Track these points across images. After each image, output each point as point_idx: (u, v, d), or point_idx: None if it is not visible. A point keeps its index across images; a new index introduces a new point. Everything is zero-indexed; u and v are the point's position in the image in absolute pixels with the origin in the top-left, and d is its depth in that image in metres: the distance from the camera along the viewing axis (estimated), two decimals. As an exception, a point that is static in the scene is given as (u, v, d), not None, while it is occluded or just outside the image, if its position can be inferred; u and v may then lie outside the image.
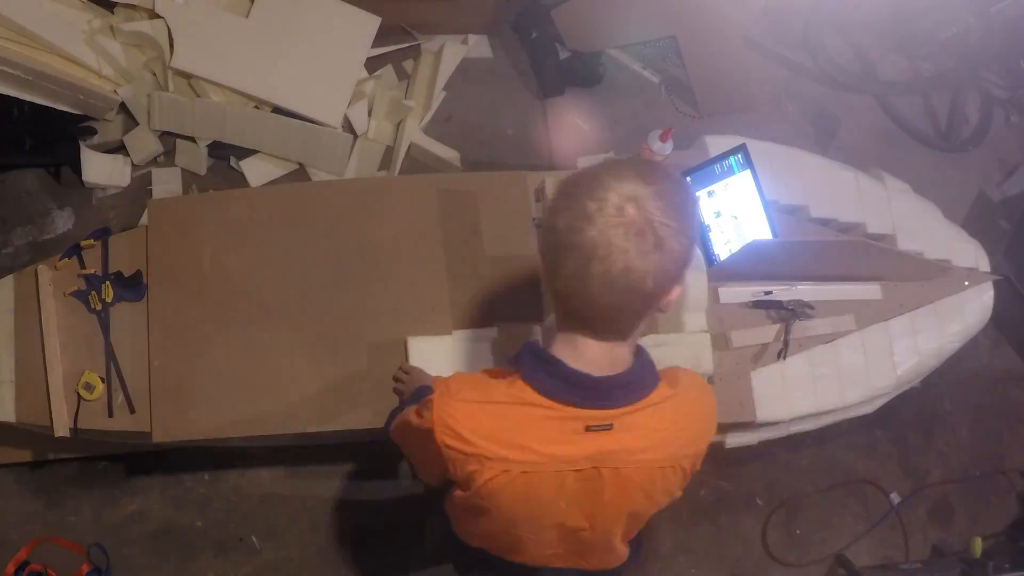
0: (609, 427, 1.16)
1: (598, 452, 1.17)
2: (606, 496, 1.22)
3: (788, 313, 2.04)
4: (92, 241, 1.95)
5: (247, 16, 2.44)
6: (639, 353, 1.23)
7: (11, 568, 2.10)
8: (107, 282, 1.90)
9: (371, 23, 2.54)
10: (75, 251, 1.94)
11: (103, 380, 1.84)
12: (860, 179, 2.23)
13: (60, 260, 1.93)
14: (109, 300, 1.89)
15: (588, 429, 1.16)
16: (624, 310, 1.13)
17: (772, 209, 2.14)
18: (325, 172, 2.51)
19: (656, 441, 1.20)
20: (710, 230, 2.11)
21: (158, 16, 2.36)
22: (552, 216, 1.11)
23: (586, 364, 1.16)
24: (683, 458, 1.25)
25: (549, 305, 1.84)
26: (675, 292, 1.16)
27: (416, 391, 1.53)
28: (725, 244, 2.13)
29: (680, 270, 1.14)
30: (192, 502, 2.27)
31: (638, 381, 1.19)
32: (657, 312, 1.18)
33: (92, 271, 1.91)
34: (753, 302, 2.06)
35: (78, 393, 1.82)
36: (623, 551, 1.42)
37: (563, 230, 1.08)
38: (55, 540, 2.16)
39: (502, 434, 1.16)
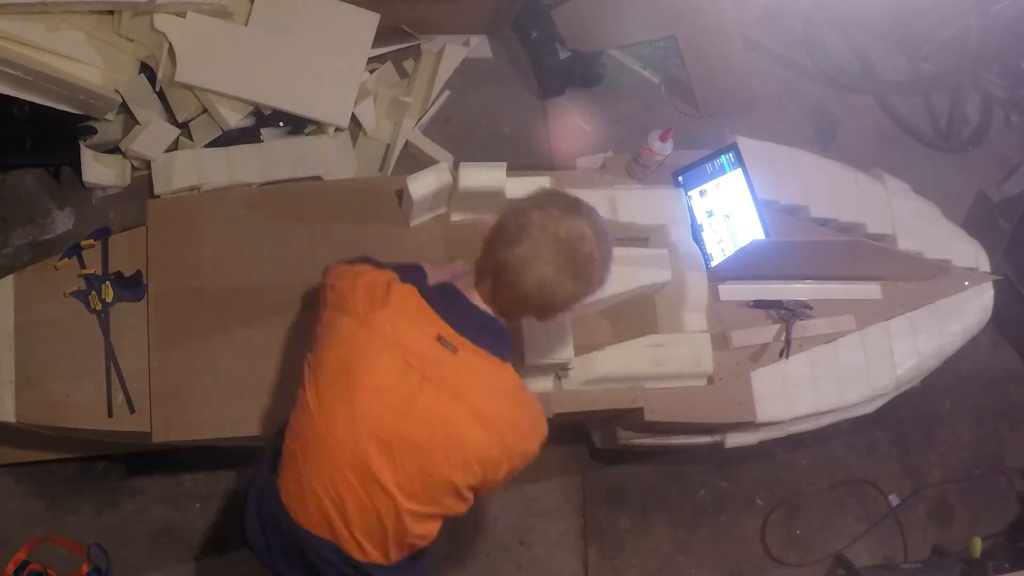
0: (454, 350, 1.30)
1: (433, 365, 1.30)
2: (416, 409, 1.29)
3: (788, 313, 2.04)
4: (92, 241, 1.95)
5: (247, 23, 2.44)
6: (506, 330, 1.37)
7: (11, 568, 2.10)
8: (107, 282, 1.90)
9: (371, 21, 2.54)
10: (75, 251, 1.94)
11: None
12: (860, 179, 2.23)
13: (60, 260, 1.93)
14: (109, 300, 1.89)
15: (439, 339, 1.30)
16: (527, 304, 1.31)
17: (767, 208, 2.15)
18: (336, 175, 2.52)
19: (483, 394, 1.31)
20: (702, 229, 2.11)
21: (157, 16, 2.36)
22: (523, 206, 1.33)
23: (468, 292, 1.35)
24: (498, 435, 1.32)
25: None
26: (569, 315, 1.41)
27: None
28: (717, 243, 2.13)
29: (582, 300, 1.33)
30: (192, 502, 2.26)
31: (496, 333, 1.34)
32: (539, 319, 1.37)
33: (92, 271, 1.91)
34: (753, 302, 2.06)
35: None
36: (387, 546, 1.39)
37: (534, 224, 1.29)
38: (55, 540, 2.16)
39: (377, 296, 1.34)
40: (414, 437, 1.30)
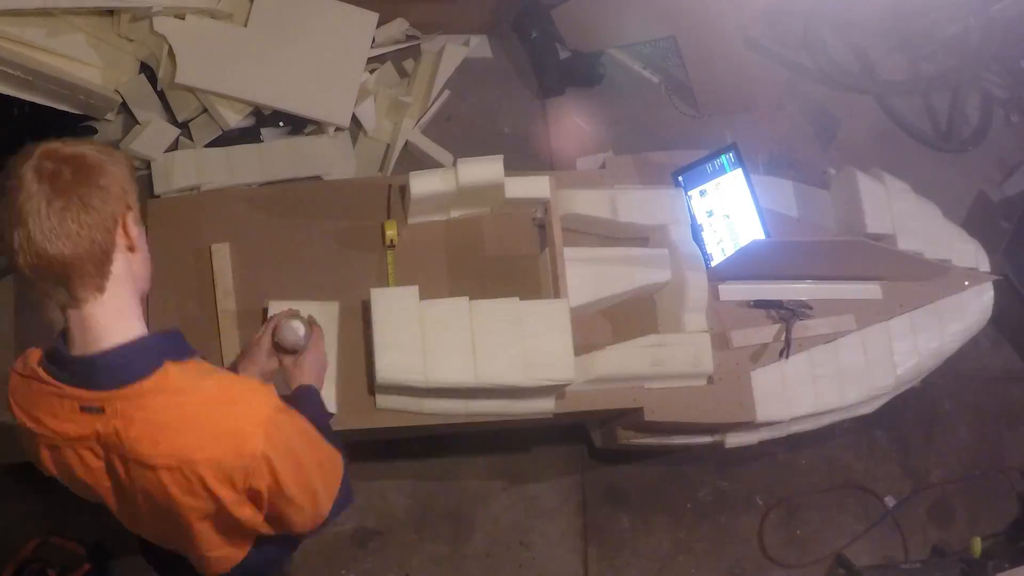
0: (100, 410, 1.10)
1: (96, 434, 1.12)
2: (126, 487, 1.17)
3: (788, 313, 2.04)
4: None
5: (246, 24, 2.44)
6: (151, 338, 1.14)
7: (11, 568, 2.10)
8: (107, 282, 1.89)
9: (370, 20, 2.55)
10: None
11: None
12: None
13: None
14: (109, 300, 1.88)
15: (82, 409, 1.11)
16: (67, 262, 1.05)
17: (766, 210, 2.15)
18: (336, 175, 2.52)
19: (148, 434, 1.10)
20: (702, 229, 2.11)
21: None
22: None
23: (70, 340, 1.12)
24: (198, 462, 1.11)
25: None
26: (131, 221, 1.11)
27: None
28: (718, 243, 2.13)
29: (125, 195, 1.09)
30: (192, 502, 2.26)
31: (123, 364, 1.10)
32: (125, 250, 1.11)
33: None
34: (753, 302, 2.06)
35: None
36: (222, 553, 1.31)
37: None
38: (55, 540, 2.16)
39: (29, 408, 1.16)
40: (149, 507, 1.20)
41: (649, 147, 2.41)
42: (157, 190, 2.37)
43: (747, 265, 2.01)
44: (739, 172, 2.15)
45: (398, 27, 2.67)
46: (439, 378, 1.75)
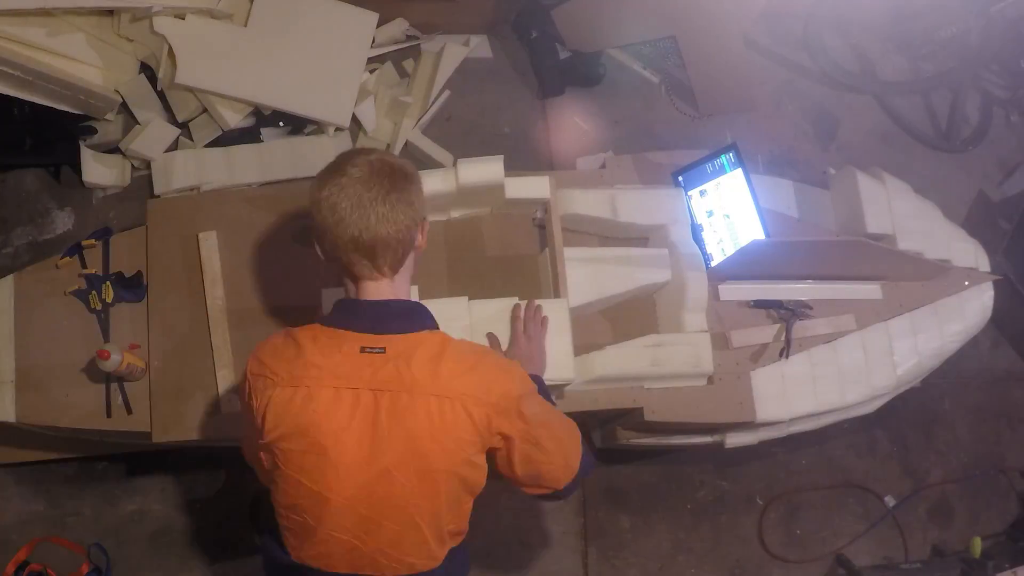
0: (382, 351, 1.30)
1: (373, 375, 1.29)
2: (384, 421, 1.29)
3: (788, 313, 2.04)
4: (93, 241, 1.95)
5: (246, 25, 2.44)
6: (416, 303, 1.41)
7: (11, 568, 2.10)
8: (107, 282, 1.90)
9: (370, 20, 2.55)
10: (76, 250, 1.94)
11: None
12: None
13: (61, 259, 1.93)
14: (109, 300, 1.89)
15: (363, 350, 1.30)
16: (386, 242, 1.32)
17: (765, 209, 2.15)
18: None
19: (430, 372, 1.30)
20: (702, 229, 2.11)
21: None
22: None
23: (362, 294, 1.36)
24: (465, 397, 1.31)
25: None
26: (426, 227, 1.42)
27: None
28: (718, 243, 2.13)
29: (425, 205, 1.39)
30: (192, 502, 2.27)
31: (407, 312, 1.37)
32: (417, 248, 1.40)
33: (93, 271, 1.91)
34: (753, 302, 2.06)
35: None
36: (430, 547, 1.39)
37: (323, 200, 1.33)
38: (55, 540, 2.16)
39: (288, 353, 1.33)
40: (399, 451, 1.30)
41: (649, 147, 2.41)
42: (157, 190, 2.37)
43: (747, 265, 2.01)
44: (739, 172, 2.15)
45: (398, 27, 2.67)
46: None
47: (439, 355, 1.32)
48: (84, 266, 1.92)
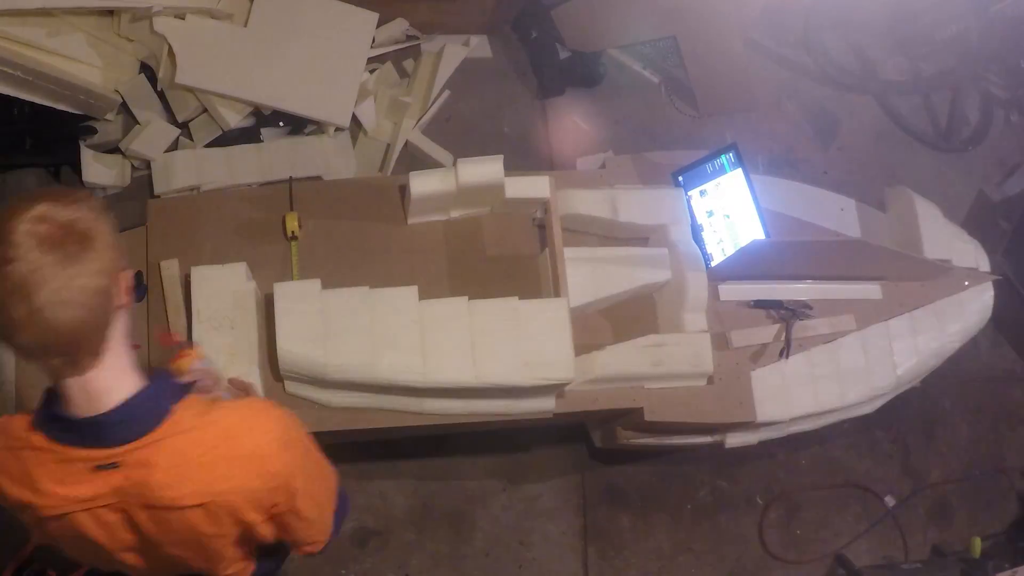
0: (115, 465, 1.08)
1: (113, 491, 1.10)
2: (149, 534, 1.16)
3: (788, 313, 2.04)
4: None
5: (246, 25, 2.44)
6: (152, 383, 1.12)
7: (11, 568, 2.10)
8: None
9: (370, 21, 2.55)
10: None
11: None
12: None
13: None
14: (109, 300, 1.88)
15: (97, 468, 1.08)
16: (77, 330, 1.00)
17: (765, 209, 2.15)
18: (336, 175, 2.52)
19: (174, 478, 1.10)
20: (702, 229, 2.11)
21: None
22: None
23: (70, 404, 1.07)
24: (227, 492, 1.12)
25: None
26: (124, 280, 1.08)
27: None
28: (718, 243, 2.13)
29: (119, 255, 1.05)
30: (192, 502, 2.26)
31: (134, 417, 1.08)
32: (119, 309, 1.07)
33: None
34: (753, 302, 2.06)
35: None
36: (238, 567, 1.31)
37: None
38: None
39: (24, 479, 1.11)
40: (164, 554, 1.21)
41: (649, 147, 2.41)
42: (157, 190, 2.37)
43: (747, 265, 2.01)
44: (739, 172, 2.15)
45: (398, 27, 2.67)
46: (439, 378, 1.75)
47: (186, 451, 1.10)
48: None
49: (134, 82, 2.44)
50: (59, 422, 1.09)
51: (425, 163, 2.61)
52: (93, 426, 1.07)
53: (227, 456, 1.12)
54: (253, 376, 1.76)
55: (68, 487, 1.10)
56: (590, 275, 1.92)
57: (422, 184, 1.87)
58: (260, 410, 1.19)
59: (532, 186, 1.92)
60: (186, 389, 1.17)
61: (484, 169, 1.87)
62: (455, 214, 2.00)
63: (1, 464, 1.13)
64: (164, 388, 1.14)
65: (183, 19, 2.38)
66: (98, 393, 1.07)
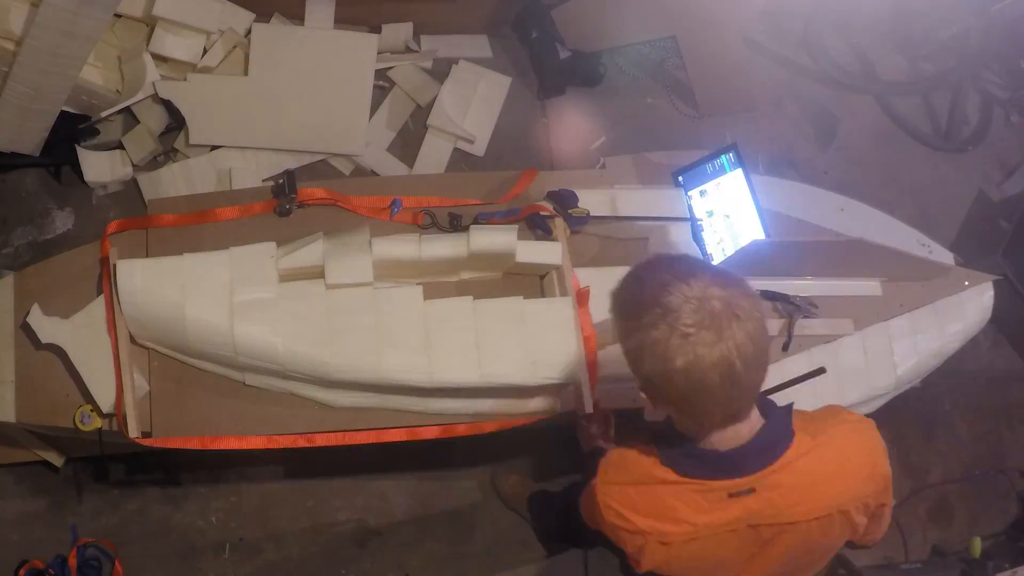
0: (751, 491, 1.24)
1: (747, 513, 1.26)
2: (773, 552, 1.30)
3: (793, 308, 2.04)
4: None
5: (246, 73, 2.44)
6: (770, 413, 1.26)
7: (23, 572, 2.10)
8: (107, 282, 1.89)
9: (370, 43, 2.52)
10: None
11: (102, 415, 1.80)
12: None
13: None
14: (109, 300, 1.88)
15: (731, 496, 1.25)
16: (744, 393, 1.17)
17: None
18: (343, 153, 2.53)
19: (803, 496, 1.25)
20: (702, 229, 2.11)
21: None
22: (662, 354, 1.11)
23: (713, 441, 1.24)
24: (845, 502, 1.28)
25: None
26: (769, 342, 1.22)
27: (591, 462, 1.49)
28: (717, 243, 2.13)
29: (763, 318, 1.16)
30: (192, 502, 2.26)
31: (767, 445, 1.24)
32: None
33: (92, 271, 1.91)
34: (760, 292, 2.05)
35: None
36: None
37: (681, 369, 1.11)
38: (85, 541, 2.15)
39: (657, 510, 1.28)
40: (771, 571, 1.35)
41: (649, 147, 2.41)
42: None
43: (747, 265, 2.00)
44: (739, 172, 2.15)
45: (399, 33, 2.65)
46: (444, 378, 1.75)
47: (806, 471, 1.25)
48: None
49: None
50: (691, 458, 1.26)
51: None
52: (732, 459, 1.23)
53: (848, 469, 1.28)
54: None
55: (706, 514, 1.26)
56: (594, 286, 1.88)
57: (434, 249, 1.84)
58: (855, 422, 1.34)
59: (545, 252, 1.89)
60: (787, 411, 1.29)
61: (496, 239, 1.84)
62: (465, 276, 1.95)
63: (629, 497, 1.31)
64: (780, 415, 1.28)
65: (184, 80, 2.38)
66: (743, 433, 1.23)
